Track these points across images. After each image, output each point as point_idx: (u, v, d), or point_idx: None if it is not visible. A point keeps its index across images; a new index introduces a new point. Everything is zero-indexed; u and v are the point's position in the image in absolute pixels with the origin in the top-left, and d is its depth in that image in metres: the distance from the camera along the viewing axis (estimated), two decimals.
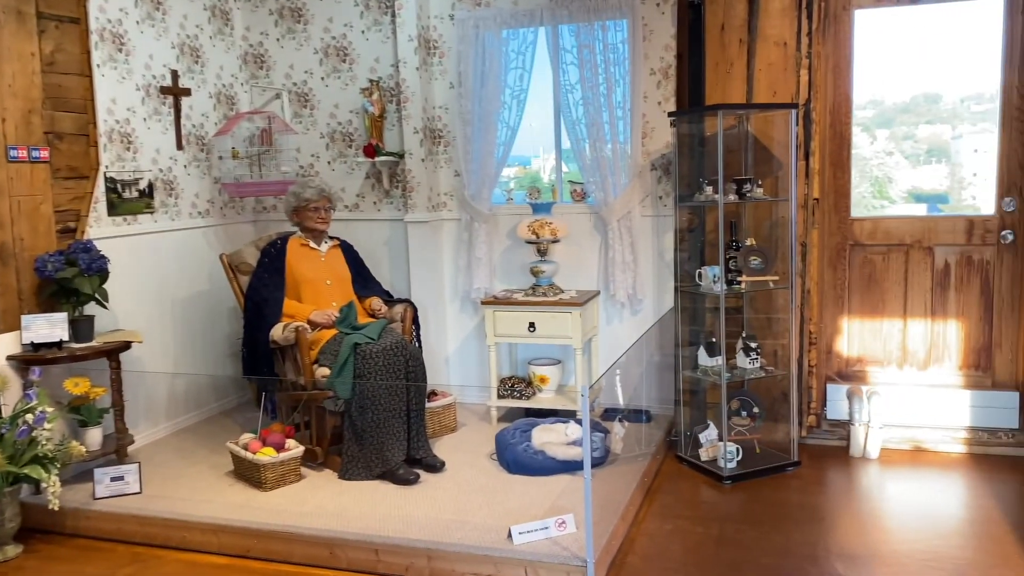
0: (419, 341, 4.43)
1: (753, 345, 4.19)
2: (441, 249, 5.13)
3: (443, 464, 3.98)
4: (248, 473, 3.87)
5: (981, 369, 4.37)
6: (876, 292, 4.49)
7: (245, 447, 3.88)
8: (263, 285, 4.19)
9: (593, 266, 4.94)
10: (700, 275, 4.21)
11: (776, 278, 4.15)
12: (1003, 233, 4.23)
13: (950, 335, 4.39)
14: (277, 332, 4.03)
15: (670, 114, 4.33)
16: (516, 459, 3.91)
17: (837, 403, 4.51)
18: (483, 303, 4.69)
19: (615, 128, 4.62)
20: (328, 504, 3.63)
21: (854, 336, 4.56)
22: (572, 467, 3.84)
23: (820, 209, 4.40)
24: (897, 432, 4.36)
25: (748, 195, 4.12)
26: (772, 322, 4.48)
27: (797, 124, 4.14)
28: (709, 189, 4.17)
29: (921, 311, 4.42)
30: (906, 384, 4.46)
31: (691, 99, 4.46)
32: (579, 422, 4.08)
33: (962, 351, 4.38)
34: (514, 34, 4.76)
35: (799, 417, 4.39)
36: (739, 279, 4.12)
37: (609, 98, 4.60)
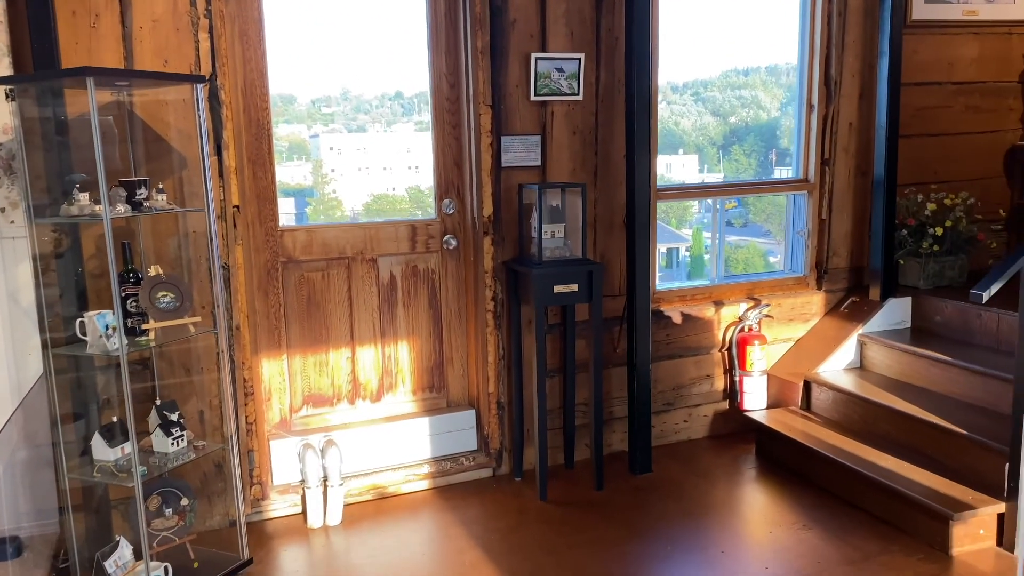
0: None
1: (174, 417, 2.97)
2: None
3: None
4: None
5: (435, 390, 3.92)
6: (319, 317, 3.67)
7: None
8: None
9: None
10: (84, 326, 2.80)
11: (197, 319, 3.00)
12: (446, 238, 3.80)
13: (402, 357, 3.84)
14: None
15: (2, 80, 2.77)
16: None
17: (286, 463, 3.58)
18: None
19: None
20: None
21: (298, 375, 3.68)
22: None
23: (242, 219, 3.37)
24: (358, 481, 3.64)
25: (145, 204, 2.86)
26: (194, 377, 3.31)
27: (201, 107, 3.02)
28: (84, 196, 2.78)
29: (370, 334, 3.76)
30: (361, 422, 3.77)
31: (38, 62, 2.96)
32: None
33: (415, 373, 3.87)
34: None
35: (242, 493, 3.33)
36: (145, 326, 2.85)
37: None
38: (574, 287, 3.52)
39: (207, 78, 3.13)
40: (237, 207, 3.31)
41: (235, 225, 3.30)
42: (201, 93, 2.93)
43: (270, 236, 3.53)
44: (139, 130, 3.16)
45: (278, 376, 3.63)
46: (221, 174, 3.24)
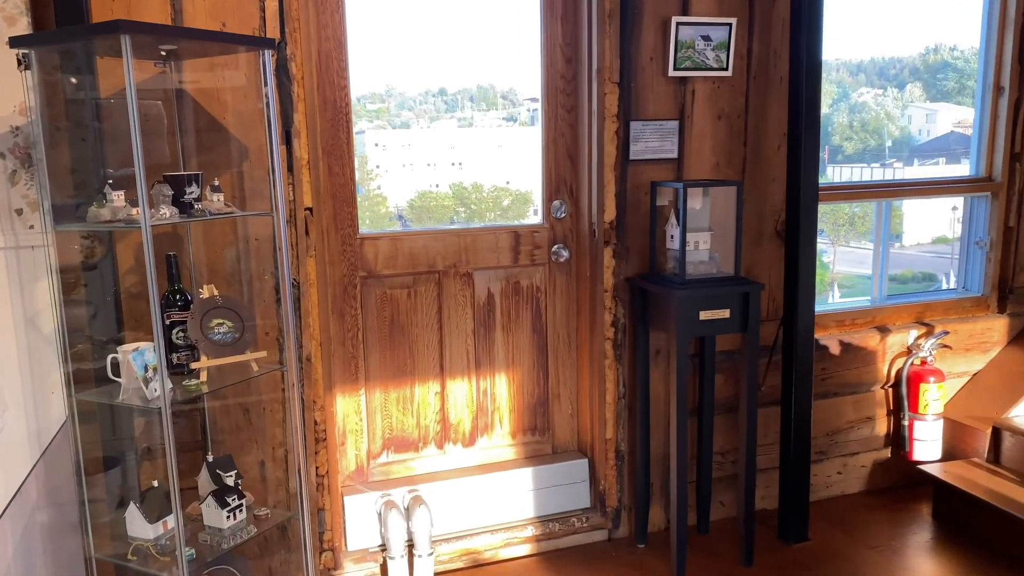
0: None
1: (230, 479, 2.31)
2: None
3: None
4: None
5: (539, 432, 3.23)
6: (403, 344, 3.00)
7: None
8: None
9: None
10: (117, 365, 2.16)
11: (262, 354, 2.34)
12: (555, 248, 3.11)
13: (500, 392, 3.15)
14: None
15: (14, 41, 2.13)
16: None
17: (363, 523, 2.92)
18: None
19: None
20: None
21: (377, 413, 3.02)
22: None
23: (316, 224, 2.71)
24: (448, 545, 2.97)
25: (197, 206, 2.21)
26: (254, 422, 2.67)
27: (269, 80, 2.36)
28: (119, 196, 2.14)
29: (463, 364, 3.08)
30: (451, 471, 3.10)
31: (63, 23, 2.32)
32: None
33: (515, 411, 3.18)
34: None
35: (312, 564, 2.67)
36: (195, 365, 2.20)
37: None
38: (725, 313, 2.80)
39: (276, 43, 2.47)
40: (310, 210, 2.65)
41: (307, 232, 2.64)
42: (269, 62, 2.27)
43: (347, 245, 2.87)
44: (189, 113, 2.51)
45: (354, 415, 2.97)
46: (290, 168, 2.59)
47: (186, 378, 2.19)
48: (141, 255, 2.47)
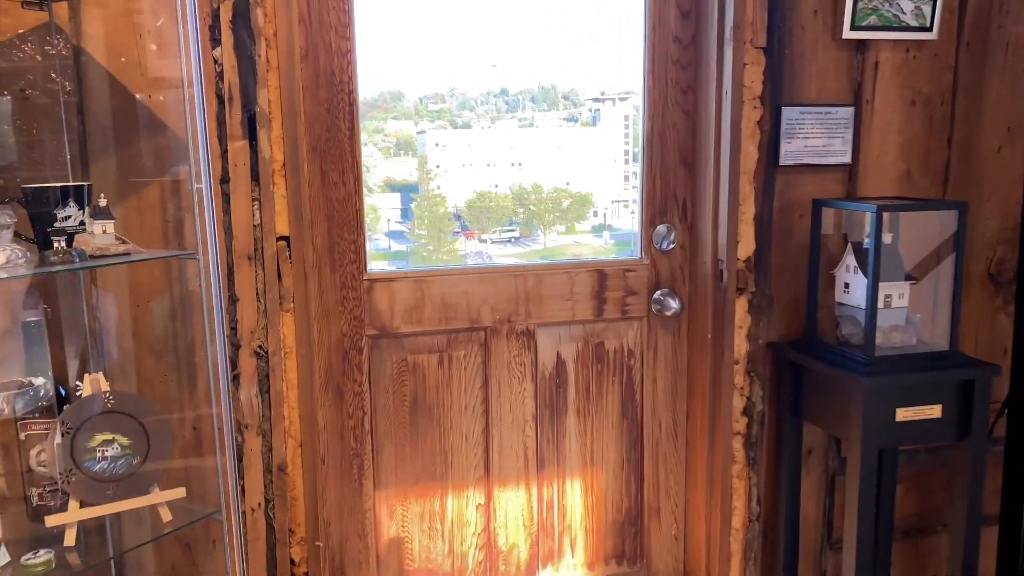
0: None
1: None
2: None
3: None
4: None
5: (628, 561, 2.22)
6: (430, 434, 2.04)
7: None
8: None
9: None
10: None
11: (179, 492, 1.39)
12: (658, 296, 2.10)
13: (572, 503, 2.16)
14: None
15: None
16: None
17: None
18: None
19: None
20: None
21: (392, 532, 2.05)
22: None
23: (295, 261, 1.76)
24: None
25: (56, 246, 1.27)
26: (199, 562, 1.74)
27: (192, 26, 1.41)
28: None
29: (518, 464, 2.10)
30: None
31: None
32: None
33: (594, 531, 2.19)
34: None
35: None
36: (51, 522, 1.27)
37: None
38: (934, 411, 1.76)
39: None
40: (286, 239, 1.70)
41: (279, 275, 1.69)
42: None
43: (349, 290, 1.91)
44: (93, 89, 1.60)
45: (357, 541, 2.02)
46: (255, 175, 1.65)
47: (30, 555, 1.25)
48: (15, 306, 1.57)
